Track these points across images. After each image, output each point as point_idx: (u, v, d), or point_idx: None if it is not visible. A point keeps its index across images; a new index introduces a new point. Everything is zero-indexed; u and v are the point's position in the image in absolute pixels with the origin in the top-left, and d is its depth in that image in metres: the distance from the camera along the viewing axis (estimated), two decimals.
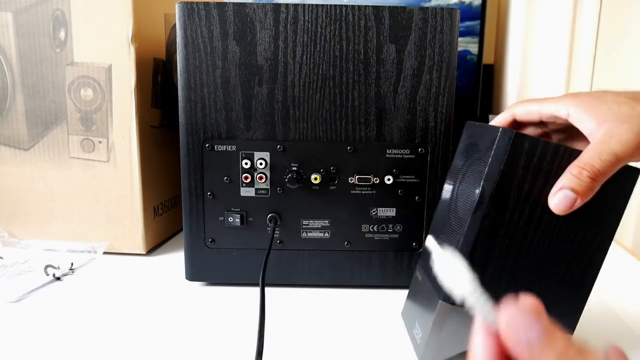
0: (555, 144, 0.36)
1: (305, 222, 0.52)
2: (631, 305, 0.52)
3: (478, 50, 0.95)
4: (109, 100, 0.58)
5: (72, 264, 0.57)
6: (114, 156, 0.59)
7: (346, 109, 0.50)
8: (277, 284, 0.53)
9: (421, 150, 0.51)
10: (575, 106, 0.37)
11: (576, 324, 0.41)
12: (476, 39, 0.94)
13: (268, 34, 0.49)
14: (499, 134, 0.36)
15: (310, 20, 0.48)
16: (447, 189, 0.43)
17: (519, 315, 0.21)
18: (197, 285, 0.54)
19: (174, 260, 0.61)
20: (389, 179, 0.51)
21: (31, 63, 0.59)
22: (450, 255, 0.24)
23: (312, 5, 0.48)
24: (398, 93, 0.50)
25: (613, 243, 0.72)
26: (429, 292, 0.40)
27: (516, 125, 0.43)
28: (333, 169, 0.51)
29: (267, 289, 0.44)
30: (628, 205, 0.39)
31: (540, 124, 0.43)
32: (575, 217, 0.36)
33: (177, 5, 0.48)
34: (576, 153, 0.35)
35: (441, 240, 0.41)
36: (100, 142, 0.59)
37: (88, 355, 0.40)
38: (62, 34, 0.58)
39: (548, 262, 0.38)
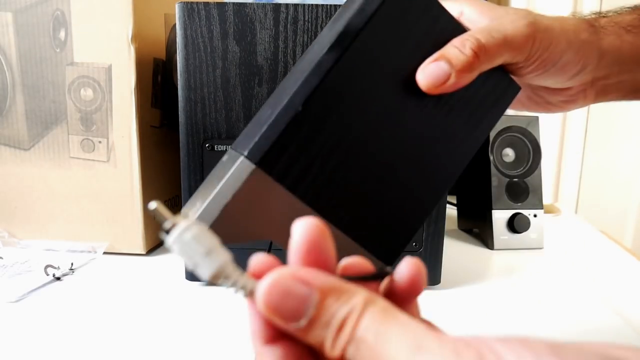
0: (459, 22, 0.30)
1: None
2: (631, 305, 0.52)
3: None
4: (109, 100, 0.58)
5: (72, 264, 0.57)
6: (114, 156, 0.59)
7: None
8: None
9: None
10: (470, 6, 0.33)
11: (416, 230, 0.32)
12: None
13: (268, 34, 0.49)
14: None
15: (310, 20, 0.48)
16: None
17: (276, 294, 0.18)
18: (197, 285, 0.54)
19: (174, 260, 0.61)
20: None
21: (31, 63, 0.59)
22: (181, 231, 0.20)
23: (312, 5, 0.48)
24: None
25: (613, 243, 0.73)
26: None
27: None
28: None
29: None
30: (628, 206, 0.38)
31: None
32: (444, 110, 0.30)
33: (177, 5, 0.48)
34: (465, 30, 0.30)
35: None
36: (100, 142, 0.59)
37: (88, 355, 0.40)
38: (62, 34, 0.58)
39: (392, 153, 0.29)
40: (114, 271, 0.58)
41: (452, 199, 0.81)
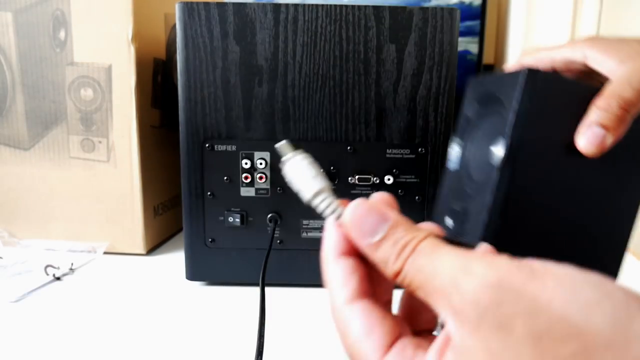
0: (586, 83, 0.32)
1: (305, 222, 0.52)
2: None
3: (478, 50, 0.95)
4: (109, 100, 0.58)
5: (72, 264, 0.57)
6: (114, 156, 0.59)
7: (346, 109, 0.50)
8: (277, 284, 0.53)
9: (421, 150, 0.51)
10: (592, 47, 0.34)
11: (617, 274, 0.37)
12: (476, 39, 0.94)
13: (268, 34, 0.49)
14: (522, 74, 0.32)
15: (310, 20, 0.48)
16: (454, 155, 0.39)
17: (360, 213, 0.22)
18: (197, 285, 0.54)
19: (174, 260, 0.61)
20: (389, 179, 0.51)
21: (31, 63, 0.59)
22: (299, 159, 0.24)
23: (312, 5, 0.48)
24: (398, 93, 0.50)
25: None
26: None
27: None
28: (333, 169, 0.51)
29: (267, 289, 0.44)
30: None
31: None
32: (609, 161, 0.32)
33: (177, 5, 0.48)
34: None
35: (456, 206, 0.37)
36: (100, 142, 0.59)
37: (88, 355, 0.40)
38: (62, 34, 0.58)
39: (583, 215, 0.34)
40: (114, 271, 0.58)
41: None
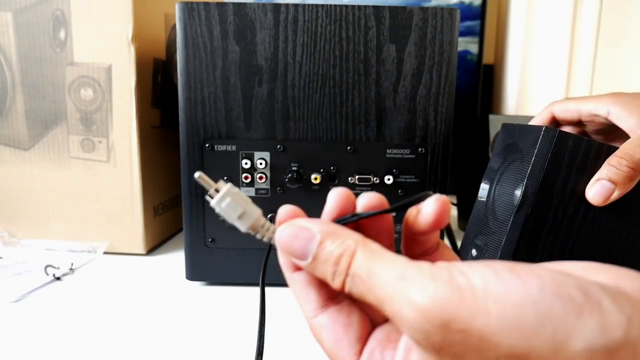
0: (599, 142, 0.36)
1: None
2: None
3: (478, 50, 0.95)
4: (109, 100, 0.58)
5: (72, 264, 0.57)
6: (114, 156, 0.59)
7: (346, 108, 0.50)
8: (277, 284, 0.53)
9: (421, 150, 0.51)
10: (615, 104, 0.37)
11: None
12: (476, 39, 0.94)
13: (268, 34, 0.49)
14: (542, 132, 0.36)
15: (310, 20, 0.48)
16: (484, 190, 0.43)
17: (287, 239, 0.22)
18: (197, 285, 0.54)
19: (174, 260, 0.61)
20: (389, 179, 0.51)
21: (31, 63, 0.59)
22: (220, 198, 0.24)
23: (312, 5, 0.48)
24: (398, 93, 0.50)
25: None
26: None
27: (554, 124, 0.43)
28: (333, 169, 0.51)
29: (267, 289, 0.44)
30: None
31: (578, 123, 0.42)
32: (621, 212, 0.36)
33: (177, 5, 0.48)
34: None
35: (479, 241, 0.41)
36: (100, 142, 0.59)
37: (88, 355, 0.40)
38: (62, 34, 0.58)
39: (593, 260, 0.38)
40: (114, 271, 0.58)
41: (452, 199, 0.81)
